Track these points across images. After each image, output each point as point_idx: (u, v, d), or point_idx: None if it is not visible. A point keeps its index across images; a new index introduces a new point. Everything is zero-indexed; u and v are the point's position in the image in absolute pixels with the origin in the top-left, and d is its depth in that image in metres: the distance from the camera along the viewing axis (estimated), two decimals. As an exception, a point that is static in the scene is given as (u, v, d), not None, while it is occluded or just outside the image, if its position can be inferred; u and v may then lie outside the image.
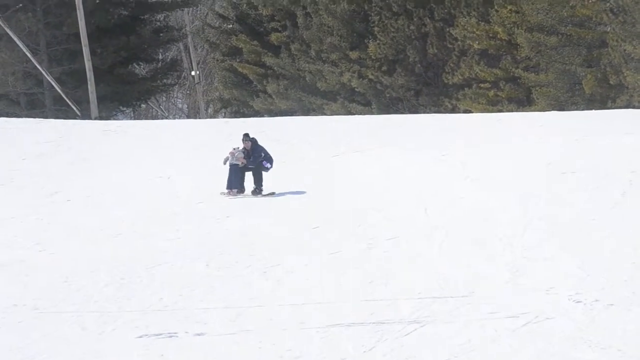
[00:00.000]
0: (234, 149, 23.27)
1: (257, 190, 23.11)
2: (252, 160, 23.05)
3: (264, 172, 23.25)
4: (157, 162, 27.82)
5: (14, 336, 12.87)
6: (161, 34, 58.32)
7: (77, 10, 46.35)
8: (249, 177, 23.29)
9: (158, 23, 58.92)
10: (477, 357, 11.20)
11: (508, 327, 12.30)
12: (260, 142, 23.59)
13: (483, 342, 11.77)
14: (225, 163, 23.22)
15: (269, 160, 23.30)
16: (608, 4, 38.60)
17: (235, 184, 23.14)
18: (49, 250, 18.50)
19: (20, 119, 40.09)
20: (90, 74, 46.62)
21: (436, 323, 12.61)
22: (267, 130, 32.84)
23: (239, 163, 23.03)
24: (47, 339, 12.71)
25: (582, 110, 36.75)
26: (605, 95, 39.34)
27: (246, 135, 23.54)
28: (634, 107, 36.27)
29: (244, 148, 23.13)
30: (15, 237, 19.79)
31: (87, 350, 12.15)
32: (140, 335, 12.70)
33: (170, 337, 12.59)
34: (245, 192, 23.10)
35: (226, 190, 23.06)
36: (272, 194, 23.01)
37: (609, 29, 39.12)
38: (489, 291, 14.06)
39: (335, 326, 12.62)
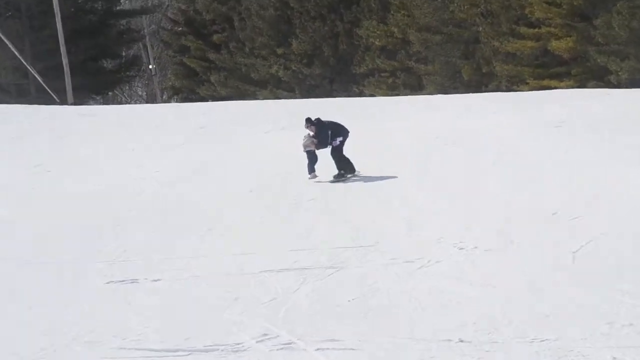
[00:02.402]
0: (304, 137, 18.87)
1: (340, 174, 18.76)
2: (319, 144, 18.60)
3: (343, 151, 18.79)
4: (123, 138, 27.32)
5: (1, 284, 12.47)
6: (124, 36, 57.85)
7: (56, 17, 45.67)
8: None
9: (122, 27, 58.14)
10: (382, 294, 11.09)
11: (406, 270, 12.19)
12: (324, 118, 19.17)
13: (386, 282, 11.67)
14: (304, 150, 18.93)
15: (339, 133, 18.62)
16: (479, 9, 38.65)
17: (310, 169, 18.85)
18: (31, 211, 18.02)
19: (11, 105, 39.23)
20: (66, 68, 46.06)
21: (349, 268, 12.48)
22: (210, 112, 32.50)
23: (312, 148, 18.73)
24: (30, 286, 12.35)
25: (462, 93, 36.75)
26: (480, 81, 39.46)
27: (308, 121, 18.84)
28: (501, 91, 36.49)
29: (309, 133, 18.79)
30: (3, 199, 19.24)
31: (64, 295, 11.81)
32: (108, 281, 12.39)
33: (133, 282, 12.30)
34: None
35: (309, 175, 18.94)
36: (345, 176, 18.84)
37: (480, 29, 39.14)
38: (390, 241, 13.95)
39: (267, 272, 12.42)
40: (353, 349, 9.08)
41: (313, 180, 18.76)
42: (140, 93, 65.88)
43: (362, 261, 12.79)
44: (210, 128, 28.46)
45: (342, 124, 18.98)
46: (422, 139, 23.34)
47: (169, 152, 24.26)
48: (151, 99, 60.74)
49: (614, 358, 8.64)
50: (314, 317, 10.25)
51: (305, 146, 18.75)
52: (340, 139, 18.64)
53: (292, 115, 30.37)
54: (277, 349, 9.17)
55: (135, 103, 60.92)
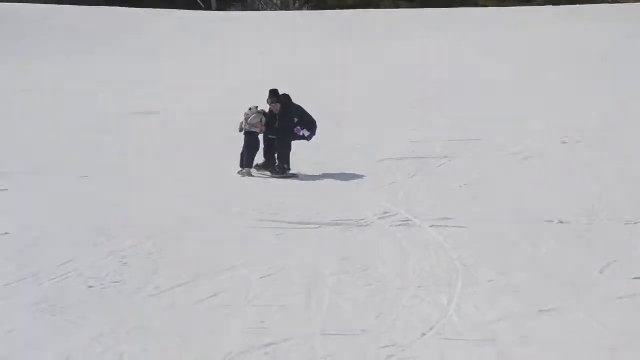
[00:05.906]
0: (250, 109, 11.95)
1: (279, 168, 11.83)
2: (277, 127, 11.77)
3: (294, 143, 11.95)
4: (259, 41, 27.54)
5: (163, 164, 12.95)
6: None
7: None
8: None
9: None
10: (489, 181, 11.14)
11: (509, 160, 12.28)
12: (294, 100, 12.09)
13: (493, 170, 11.72)
14: (241, 131, 12.01)
15: (309, 125, 11.91)
16: None
17: (247, 160, 11.91)
18: (181, 105, 18.40)
19: (162, 10, 39.77)
20: (211, -21, 46.56)
21: (460, 158, 12.55)
22: (336, 18, 32.37)
23: (257, 130, 11.88)
24: (186, 169, 12.78)
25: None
26: None
27: (273, 94, 11.82)
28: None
29: (264, 111, 11.92)
30: (154, 92, 19.62)
31: (212, 179, 12.18)
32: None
33: (271, 166, 12.56)
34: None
35: (241, 169, 11.97)
36: (296, 176, 11.82)
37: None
38: (494, 135, 13.98)
39: (388, 160, 12.59)
40: (463, 227, 9.15)
41: (244, 177, 11.92)
42: (275, 1, 65.87)
43: (472, 152, 12.82)
44: (338, 34, 28.40)
45: (312, 115, 12.13)
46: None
47: (299, 53, 24.36)
48: (284, 6, 60.64)
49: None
50: (429, 199, 10.35)
51: (248, 123, 11.92)
52: (308, 133, 11.95)
53: (413, 23, 30.05)
54: (396, 225, 9.30)
55: (271, 10, 61.03)
